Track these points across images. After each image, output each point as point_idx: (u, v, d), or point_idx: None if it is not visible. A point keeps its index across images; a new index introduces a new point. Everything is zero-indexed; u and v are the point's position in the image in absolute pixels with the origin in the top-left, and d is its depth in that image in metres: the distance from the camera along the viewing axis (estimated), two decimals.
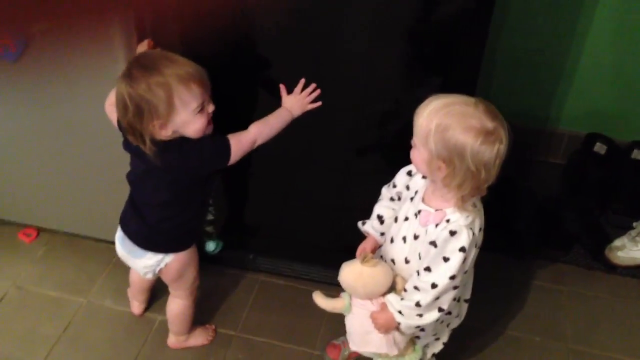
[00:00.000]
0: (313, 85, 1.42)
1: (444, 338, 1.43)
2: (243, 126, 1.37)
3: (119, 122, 1.29)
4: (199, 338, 1.63)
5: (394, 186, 1.36)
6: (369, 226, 1.40)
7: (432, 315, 1.25)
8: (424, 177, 1.28)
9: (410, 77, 1.49)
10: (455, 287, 1.23)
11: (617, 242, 1.94)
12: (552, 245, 1.92)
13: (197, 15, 1.37)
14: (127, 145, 1.33)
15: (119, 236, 1.46)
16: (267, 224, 1.84)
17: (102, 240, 1.88)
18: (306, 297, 1.76)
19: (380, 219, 1.38)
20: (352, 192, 1.70)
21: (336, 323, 1.67)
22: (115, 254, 1.51)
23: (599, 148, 2.05)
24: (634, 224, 1.94)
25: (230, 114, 1.36)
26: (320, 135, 1.58)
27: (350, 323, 1.36)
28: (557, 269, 1.91)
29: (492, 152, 1.12)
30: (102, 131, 1.58)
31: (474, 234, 1.19)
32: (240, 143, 1.33)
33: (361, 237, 1.65)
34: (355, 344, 1.37)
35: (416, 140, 1.18)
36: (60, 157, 1.70)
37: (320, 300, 1.38)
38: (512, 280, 1.88)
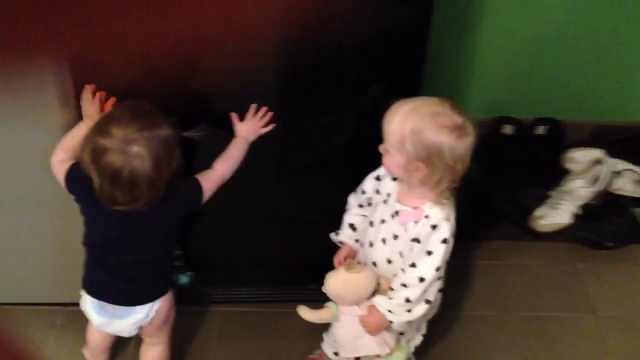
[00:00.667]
0: (264, 109, 1.42)
1: (423, 330, 1.50)
2: (205, 166, 1.37)
3: (89, 188, 1.23)
4: None
5: (363, 192, 1.41)
6: (343, 236, 1.43)
7: (421, 309, 1.31)
8: (394, 179, 1.34)
9: (350, 88, 1.54)
10: (439, 278, 1.30)
11: (538, 212, 2.11)
12: (485, 225, 2.06)
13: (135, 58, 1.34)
14: (95, 210, 1.27)
15: (94, 305, 1.37)
16: (213, 254, 1.81)
17: (39, 304, 1.76)
18: (271, 319, 1.79)
19: (352, 227, 1.42)
20: (300, 207, 1.72)
21: (308, 339, 1.70)
22: (57, 316, 1.47)
23: (507, 129, 2.22)
24: (550, 193, 2.13)
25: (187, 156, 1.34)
26: (262, 153, 1.59)
27: (339, 331, 1.38)
28: (492, 246, 2.04)
29: (466, 145, 1.19)
30: (32, 187, 1.51)
31: (452, 224, 1.27)
32: (210, 181, 1.33)
33: (313, 249, 1.69)
34: (346, 350, 1.40)
35: (389, 146, 1.23)
36: None
37: (306, 313, 1.40)
38: (455, 265, 1.98)
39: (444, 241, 1.26)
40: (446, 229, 1.25)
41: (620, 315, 1.86)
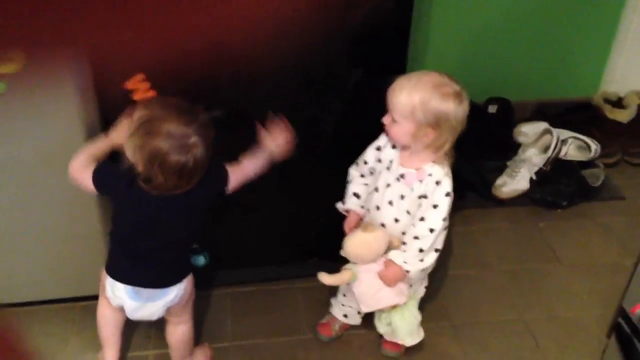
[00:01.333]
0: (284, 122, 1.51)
1: (425, 282, 1.68)
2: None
3: (125, 185, 1.32)
4: (200, 357, 1.68)
5: (365, 163, 1.57)
6: (350, 204, 1.59)
7: (432, 257, 1.49)
8: (393, 147, 1.51)
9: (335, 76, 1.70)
10: (445, 228, 1.48)
11: (499, 181, 2.35)
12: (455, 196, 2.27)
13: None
14: (130, 201, 1.36)
15: (129, 291, 1.45)
16: (215, 239, 1.90)
17: (53, 301, 1.82)
18: (278, 294, 1.92)
19: (357, 195, 1.59)
20: (295, 189, 1.86)
21: (315, 307, 1.85)
22: (74, 312, 1.56)
23: None
24: (508, 163, 2.38)
25: None
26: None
27: (360, 289, 1.54)
28: (464, 214, 2.25)
29: (465, 109, 1.39)
30: (42, 183, 1.58)
31: (451, 179, 1.46)
32: (236, 174, 1.45)
33: (310, 225, 1.84)
34: (368, 305, 1.55)
35: (397, 117, 1.40)
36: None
37: (327, 278, 1.55)
38: None
39: (447, 194, 1.44)
40: (448, 184, 1.44)
41: (581, 262, 2.11)
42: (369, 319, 1.77)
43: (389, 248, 1.51)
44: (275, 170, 1.76)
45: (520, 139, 2.46)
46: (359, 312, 1.77)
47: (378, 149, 1.55)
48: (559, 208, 2.33)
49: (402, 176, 1.48)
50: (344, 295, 1.75)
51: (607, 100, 2.57)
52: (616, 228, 2.27)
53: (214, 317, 1.84)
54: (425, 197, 1.45)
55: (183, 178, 1.29)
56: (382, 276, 1.49)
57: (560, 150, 2.38)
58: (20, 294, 1.78)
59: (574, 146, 2.43)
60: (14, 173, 1.55)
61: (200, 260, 1.69)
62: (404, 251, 1.48)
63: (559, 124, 2.47)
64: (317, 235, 1.93)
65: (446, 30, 2.43)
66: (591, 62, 2.68)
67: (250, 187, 1.76)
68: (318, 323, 1.80)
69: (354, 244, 1.48)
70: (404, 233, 1.51)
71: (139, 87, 1.45)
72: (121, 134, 1.34)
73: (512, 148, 2.44)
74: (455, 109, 1.38)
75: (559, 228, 2.25)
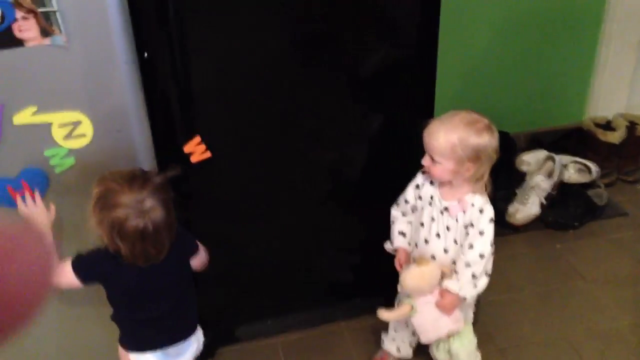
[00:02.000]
0: None
1: (473, 307, 1.76)
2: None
3: (110, 266, 1.36)
4: None
5: (406, 202, 1.67)
6: (398, 243, 1.67)
7: (484, 281, 1.57)
8: (431, 183, 1.61)
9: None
10: (492, 253, 1.58)
11: (511, 209, 2.47)
12: None
13: None
14: (122, 280, 1.39)
15: (158, 356, 1.48)
16: (252, 287, 1.94)
17: None
18: (324, 338, 1.97)
19: (402, 233, 1.68)
20: (327, 234, 1.94)
21: (363, 344, 1.92)
22: None
23: None
24: (517, 191, 2.50)
25: None
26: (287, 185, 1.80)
27: (420, 320, 1.60)
28: None
29: (497, 139, 1.51)
30: None
31: (491, 206, 1.56)
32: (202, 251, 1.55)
33: (342, 268, 1.92)
34: (428, 335, 1.62)
35: (437, 158, 1.50)
36: None
37: (387, 314, 1.62)
38: None
39: (491, 220, 1.55)
40: (490, 210, 1.55)
41: (602, 277, 2.22)
42: (419, 352, 1.84)
43: (442, 278, 1.59)
44: (309, 217, 1.85)
45: (523, 167, 2.60)
46: (410, 345, 1.84)
47: (417, 187, 1.65)
48: (571, 229, 2.45)
49: (446, 209, 1.58)
50: (395, 331, 1.82)
51: (597, 124, 2.74)
52: (626, 242, 2.40)
53: None
54: (471, 225, 1.55)
55: (148, 243, 1.30)
56: (439, 305, 1.57)
57: (563, 174, 2.52)
58: None
59: (575, 169, 2.58)
60: None
61: None
62: (458, 279, 1.56)
63: (556, 150, 2.62)
64: (356, 276, 2.00)
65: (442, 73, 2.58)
66: (574, 90, 2.87)
67: (286, 236, 1.84)
68: (372, 358, 1.86)
69: (412, 278, 1.56)
70: (453, 262, 1.60)
71: (196, 150, 1.54)
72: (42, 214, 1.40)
73: (517, 177, 2.57)
74: (490, 141, 1.50)
75: (575, 247, 2.37)
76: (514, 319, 2.04)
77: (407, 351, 1.84)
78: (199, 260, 1.52)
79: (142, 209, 1.27)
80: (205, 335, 1.87)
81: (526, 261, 2.30)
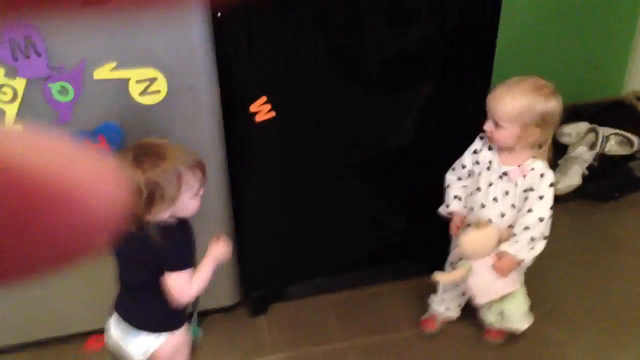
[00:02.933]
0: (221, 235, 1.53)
1: (525, 271, 1.79)
2: None
3: None
4: None
5: (463, 167, 1.70)
6: (453, 206, 1.71)
7: (542, 244, 1.61)
8: (489, 149, 1.64)
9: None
10: (551, 216, 1.61)
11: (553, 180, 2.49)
12: None
13: None
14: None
15: (114, 320, 1.49)
16: (303, 246, 1.95)
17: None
18: (372, 298, 2.02)
19: (458, 197, 1.71)
20: (377, 197, 1.97)
21: (410, 305, 1.97)
22: None
23: None
24: (559, 162, 2.52)
25: None
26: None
27: (476, 282, 1.64)
28: None
29: (561, 104, 1.53)
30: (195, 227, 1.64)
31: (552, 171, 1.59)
32: (182, 278, 1.40)
33: (392, 231, 1.95)
34: (484, 297, 1.66)
35: (502, 122, 1.52)
36: None
37: (443, 276, 1.67)
38: None
39: (551, 185, 1.58)
40: (551, 175, 1.58)
41: None
42: (465, 314, 1.89)
43: (499, 241, 1.62)
44: (360, 180, 1.88)
45: (564, 139, 2.61)
46: (459, 305, 1.88)
47: (475, 152, 1.68)
48: (611, 200, 2.47)
49: (505, 174, 1.60)
50: (445, 291, 1.86)
51: (638, 98, 2.75)
52: None
53: (320, 321, 1.94)
54: (531, 189, 1.58)
55: (138, 201, 1.26)
56: (497, 267, 1.61)
57: (604, 146, 2.54)
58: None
59: (616, 142, 2.59)
60: None
61: (194, 332, 1.64)
62: (516, 242, 1.59)
63: (597, 123, 2.63)
64: (403, 240, 2.04)
65: None
66: (614, 63, 2.86)
67: (337, 198, 1.88)
68: (421, 319, 1.91)
69: (470, 241, 1.59)
70: (510, 226, 1.63)
71: (262, 109, 1.57)
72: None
73: (559, 148, 2.59)
74: (556, 106, 1.52)
75: (615, 218, 2.39)
76: (557, 285, 2.08)
77: (456, 310, 1.89)
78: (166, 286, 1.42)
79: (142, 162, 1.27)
80: (257, 290, 1.94)
81: (567, 230, 2.33)
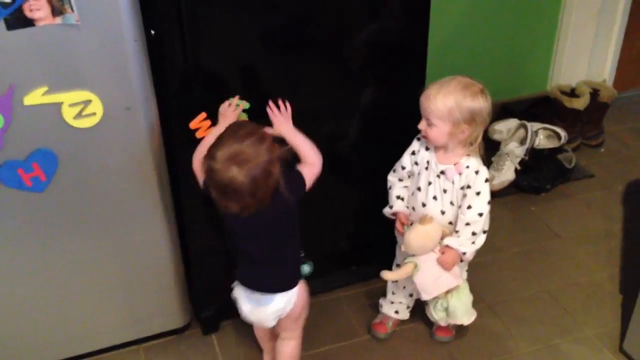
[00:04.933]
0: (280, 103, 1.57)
1: (466, 266, 1.85)
2: None
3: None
4: None
5: (403, 168, 1.74)
6: (397, 207, 1.75)
7: (482, 238, 1.67)
8: (426, 149, 1.69)
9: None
10: (489, 211, 1.67)
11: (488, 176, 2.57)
12: None
13: None
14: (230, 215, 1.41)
15: (243, 295, 1.57)
16: None
17: (118, 346, 1.87)
18: (323, 306, 2.03)
19: (400, 198, 1.75)
20: (321, 205, 1.98)
21: (361, 310, 1.99)
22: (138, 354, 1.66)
23: None
24: (492, 159, 2.62)
25: None
26: None
27: (422, 278, 1.68)
28: None
29: (489, 102, 1.59)
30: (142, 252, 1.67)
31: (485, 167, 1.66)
32: (310, 172, 1.52)
33: (337, 238, 1.98)
34: (429, 292, 1.70)
35: (434, 120, 1.57)
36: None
37: (390, 274, 1.70)
38: None
39: (486, 180, 1.64)
40: (485, 171, 1.64)
41: (577, 234, 2.36)
42: (414, 313, 1.93)
43: (442, 237, 1.67)
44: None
45: (496, 136, 2.71)
46: (407, 307, 1.92)
47: (413, 153, 1.72)
48: (544, 192, 2.58)
49: (442, 172, 1.66)
50: (393, 293, 1.90)
51: (563, 92, 2.88)
52: (595, 201, 2.54)
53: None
54: (468, 187, 1.63)
55: (229, 199, 1.35)
56: (441, 261, 1.66)
57: (534, 140, 2.65)
58: (81, 345, 1.82)
59: (544, 136, 2.70)
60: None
61: (305, 269, 1.65)
62: (458, 236, 1.65)
63: (525, 118, 2.74)
64: (351, 245, 2.07)
65: None
66: (539, 60, 3.00)
67: None
68: (372, 323, 1.94)
69: (416, 236, 1.64)
70: (450, 223, 1.68)
71: (202, 126, 1.57)
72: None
73: (490, 145, 2.68)
74: (484, 104, 1.58)
75: (549, 209, 2.50)
76: (499, 277, 2.15)
77: (405, 313, 1.92)
78: (309, 171, 1.52)
79: (227, 168, 1.31)
80: (207, 309, 1.93)
81: (505, 224, 2.42)
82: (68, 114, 1.40)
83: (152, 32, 1.42)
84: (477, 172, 1.63)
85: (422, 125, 1.62)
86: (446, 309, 1.77)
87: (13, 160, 1.41)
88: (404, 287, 1.87)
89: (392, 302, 1.92)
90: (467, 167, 1.64)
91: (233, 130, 1.40)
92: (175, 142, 1.59)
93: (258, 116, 1.63)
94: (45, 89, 1.36)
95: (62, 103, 1.39)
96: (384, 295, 1.94)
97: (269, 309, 1.55)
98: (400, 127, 1.81)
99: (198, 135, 1.58)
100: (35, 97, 1.36)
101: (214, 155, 1.34)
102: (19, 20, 1.27)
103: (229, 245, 1.58)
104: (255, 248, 1.51)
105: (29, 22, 1.28)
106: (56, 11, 1.29)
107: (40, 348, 1.75)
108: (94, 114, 1.42)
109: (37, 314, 1.69)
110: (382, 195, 1.80)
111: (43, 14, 1.28)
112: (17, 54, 1.31)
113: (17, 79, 1.34)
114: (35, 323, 1.70)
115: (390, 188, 1.78)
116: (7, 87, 1.33)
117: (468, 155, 1.64)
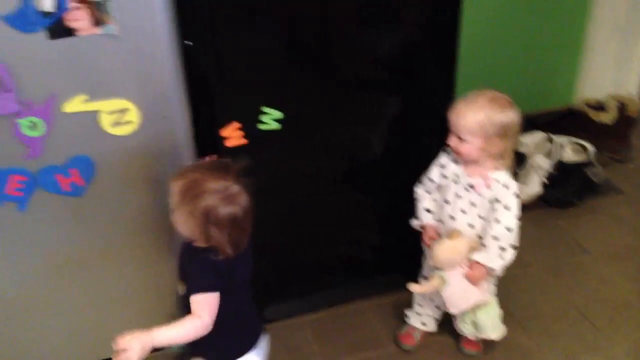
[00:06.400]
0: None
1: (494, 280, 1.84)
2: None
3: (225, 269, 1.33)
4: None
5: (431, 180, 1.74)
6: (425, 219, 1.75)
7: (511, 253, 1.66)
8: (455, 162, 1.69)
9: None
10: (518, 226, 1.66)
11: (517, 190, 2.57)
12: None
13: None
14: (234, 266, 1.35)
15: (254, 354, 1.47)
16: (276, 268, 1.93)
17: None
18: (348, 316, 2.04)
19: (428, 210, 1.75)
20: (346, 210, 1.99)
21: (387, 320, 1.99)
22: None
23: None
24: (518, 172, 2.60)
25: None
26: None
27: (449, 292, 1.68)
28: None
29: (518, 115, 1.60)
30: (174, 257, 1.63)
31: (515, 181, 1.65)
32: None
33: (362, 248, 1.98)
34: (457, 306, 1.70)
35: (465, 136, 1.57)
36: None
37: (417, 287, 1.70)
38: None
39: (516, 195, 1.63)
40: (514, 185, 1.63)
41: (605, 250, 2.33)
42: (442, 325, 1.92)
43: (470, 251, 1.67)
44: (331, 198, 1.90)
45: (522, 149, 2.70)
46: (435, 319, 1.92)
47: (441, 166, 1.73)
48: (571, 206, 2.56)
49: (471, 186, 1.65)
50: (420, 305, 1.90)
51: (589, 105, 2.86)
52: (624, 217, 2.52)
53: (299, 343, 1.94)
54: (497, 200, 1.63)
55: (239, 229, 1.30)
56: (469, 276, 1.65)
57: (561, 154, 2.63)
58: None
59: (571, 149, 2.69)
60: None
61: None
62: (487, 251, 1.64)
63: (551, 131, 2.72)
64: (376, 255, 2.07)
65: None
66: (565, 73, 2.99)
67: (309, 218, 1.90)
68: (398, 334, 1.93)
69: (444, 251, 1.63)
70: (479, 236, 1.68)
71: (233, 135, 1.59)
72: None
73: (517, 158, 2.67)
74: (515, 117, 1.58)
75: (577, 224, 2.48)
76: (527, 292, 2.13)
77: (432, 325, 1.92)
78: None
79: (231, 193, 1.26)
80: None
81: (532, 238, 2.40)
82: (106, 122, 1.43)
83: (188, 43, 1.44)
84: (507, 186, 1.63)
85: (452, 142, 1.62)
86: (475, 323, 1.77)
87: (52, 165, 1.44)
88: (431, 300, 1.87)
89: (418, 314, 1.91)
90: (497, 180, 1.63)
91: (200, 166, 1.35)
92: (206, 150, 1.61)
93: (289, 125, 1.66)
94: (84, 97, 1.39)
95: (100, 111, 1.41)
96: (410, 306, 1.93)
97: (264, 349, 1.51)
98: (427, 137, 1.83)
99: (227, 144, 1.59)
100: (75, 105, 1.39)
101: (206, 191, 1.26)
102: (61, 30, 1.30)
103: (227, 320, 1.39)
104: (247, 292, 1.45)
105: (70, 32, 1.31)
106: (97, 21, 1.31)
107: (79, 347, 1.79)
108: (131, 122, 1.44)
109: (76, 314, 1.72)
110: (408, 205, 1.81)
111: (84, 24, 1.31)
112: (58, 63, 1.34)
113: (58, 87, 1.37)
114: (76, 323, 1.74)
115: (417, 200, 1.78)
116: (49, 95, 1.36)
117: (498, 168, 1.64)
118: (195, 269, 1.32)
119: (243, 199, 1.29)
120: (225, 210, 1.26)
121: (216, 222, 1.26)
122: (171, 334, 1.30)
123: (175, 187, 1.28)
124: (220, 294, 1.32)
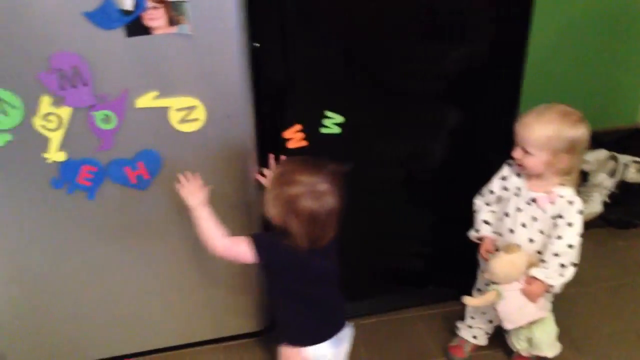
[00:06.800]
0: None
1: (552, 298, 1.81)
2: None
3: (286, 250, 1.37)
4: None
5: (491, 192, 1.72)
6: (483, 231, 1.73)
7: (570, 271, 1.62)
8: (518, 175, 1.67)
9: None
10: (580, 244, 1.63)
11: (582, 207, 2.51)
12: None
13: None
14: (301, 264, 1.40)
15: (332, 342, 1.51)
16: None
17: (198, 343, 1.93)
18: (398, 324, 2.03)
19: (487, 222, 1.73)
20: (401, 219, 1.98)
21: (437, 331, 1.97)
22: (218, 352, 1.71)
23: None
24: (580, 189, 2.54)
25: None
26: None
27: (506, 307, 1.65)
28: None
29: (589, 131, 1.56)
30: None
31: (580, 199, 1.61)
32: None
33: (417, 257, 1.96)
34: (513, 321, 1.67)
35: (531, 150, 1.55)
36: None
37: (472, 300, 1.68)
38: None
39: (580, 212, 1.60)
40: (579, 202, 1.60)
41: None
42: (492, 340, 1.89)
43: (529, 267, 1.64)
44: (386, 207, 1.90)
45: (584, 166, 2.63)
46: (486, 333, 1.89)
47: (503, 178, 1.70)
48: (633, 227, 2.48)
49: (533, 200, 1.63)
50: (472, 318, 1.88)
51: None
52: None
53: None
54: (560, 217, 1.60)
55: (317, 226, 1.34)
56: (526, 292, 1.62)
57: (624, 173, 2.56)
58: (165, 339, 1.89)
59: (635, 169, 2.61)
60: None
61: None
62: (546, 268, 1.61)
63: (615, 150, 2.65)
64: (429, 265, 2.06)
65: None
66: (629, 91, 2.91)
67: (363, 225, 1.89)
68: (449, 346, 1.91)
69: (501, 265, 1.61)
70: (538, 252, 1.65)
71: (295, 137, 1.61)
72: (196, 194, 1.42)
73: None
74: (584, 132, 1.55)
75: (637, 245, 2.41)
76: (584, 312, 2.08)
77: (483, 339, 1.89)
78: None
79: (317, 190, 1.31)
80: None
81: (591, 258, 2.32)
82: (174, 118, 1.47)
83: (255, 44, 1.47)
84: (571, 203, 1.59)
85: (517, 154, 1.60)
86: (529, 340, 1.74)
87: (121, 158, 1.49)
88: (484, 313, 1.85)
89: (470, 327, 1.89)
90: (561, 196, 1.60)
91: (298, 159, 1.41)
92: (268, 149, 1.63)
93: (350, 129, 1.67)
94: (156, 93, 1.43)
95: (169, 107, 1.46)
96: (462, 318, 1.91)
97: (345, 344, 1.55)
98: (488, 151, 1.81)
99: (289, 145, 1.62)
100: (146, 100, 1.43)
101: (295, 181, 1.32)
102: (138, 28, 1.35)
103: (293, 309, 1.50)
104: (324, 288, 1.49)
105: (147, 30, 1.36)
106: (172, 21, 1.35)
107: (124, 339, 1.85)
108: (198, 119, 1.48)
109: (135, 303, 1.78)
110: (465, 216, 1.79)
111: (160, 23, 1.35)
112: (133, 60, 1.39)
113: (131, 82, 1.41)
114: (131, 314, 1.81)
115: (476, 212, 1.76)
116: (122, 90, 1.41)
117: (563, 184, 1.61)
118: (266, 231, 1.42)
119: (328, 199, 1.33)
120: (307, 203, 1.31)
121: (296, 212, 1.31)
122: (204, 220, 1.41)
123: (274, 171, 1.39)
124: (265, 269, 1.43)
